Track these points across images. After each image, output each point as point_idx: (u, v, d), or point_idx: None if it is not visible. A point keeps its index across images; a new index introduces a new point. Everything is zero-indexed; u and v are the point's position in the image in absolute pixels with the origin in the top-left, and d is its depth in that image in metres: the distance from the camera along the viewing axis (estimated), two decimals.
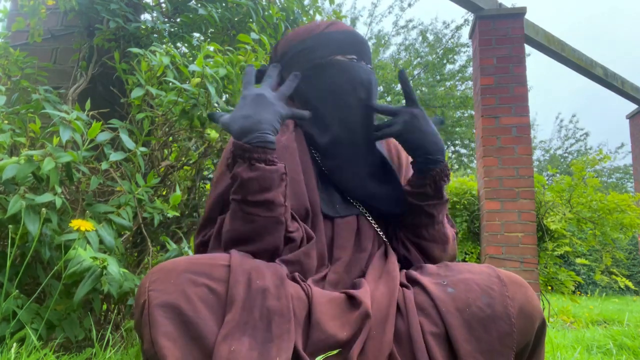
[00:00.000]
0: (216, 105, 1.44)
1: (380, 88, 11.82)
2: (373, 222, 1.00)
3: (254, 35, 1.54)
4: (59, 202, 1.06)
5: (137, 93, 1.28)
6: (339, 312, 0.77)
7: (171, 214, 1.35)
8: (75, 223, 1.00)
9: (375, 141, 1.02)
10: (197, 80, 1.33)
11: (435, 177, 0.94)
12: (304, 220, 0.92)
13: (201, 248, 0.93)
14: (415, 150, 0.95)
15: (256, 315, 0.70)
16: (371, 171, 0.99)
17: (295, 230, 0.87)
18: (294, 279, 0.82)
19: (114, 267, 1.05)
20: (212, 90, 1.32)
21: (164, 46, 1.42)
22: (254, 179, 0.82)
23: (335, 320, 0.75)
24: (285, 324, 0.70)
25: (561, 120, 17.16)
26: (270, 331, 0.69)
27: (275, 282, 0.74)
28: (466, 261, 2.08)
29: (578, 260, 4.20)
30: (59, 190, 1.09)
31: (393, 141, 1.14)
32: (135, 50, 1.33)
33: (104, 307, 1.37)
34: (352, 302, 0.79)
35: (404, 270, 0.93)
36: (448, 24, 12.31)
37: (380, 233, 1.00)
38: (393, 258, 0.95)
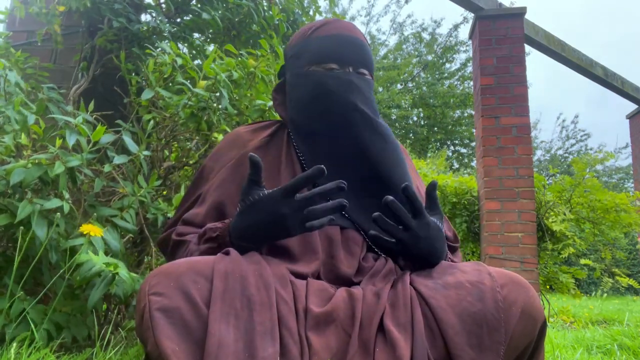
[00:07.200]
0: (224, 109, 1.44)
1: (380, 89, 11.82)
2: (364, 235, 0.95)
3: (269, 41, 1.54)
4: (67, 207, 1.05)
5: (147, 95, 1.27)
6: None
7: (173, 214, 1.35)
8: (85, 228, 1.00)
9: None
10: (204, 82, 1.33)
11: None
12: None
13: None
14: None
15: (237, 305, 0.70)
16: (354, 185, 0.93)
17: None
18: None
19: (124, 272, 1.05)
20: (225, 94, 1.31)
21: (169, 47, 1.42)
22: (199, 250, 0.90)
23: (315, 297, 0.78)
24: (266, 312, 0.70)
25: (563, 121, 17.14)
26: (253, 320, 0.69)
27: (254, 271, 0.74)
28: (469, 261, 2.09)
29: (580, 261, 4.20)
30: (66, 195, 1.09)
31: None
32: (147, 50, 1.33)
33: (104, 307, 1.37)
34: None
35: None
36: (440, 23, 12.30)
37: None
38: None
